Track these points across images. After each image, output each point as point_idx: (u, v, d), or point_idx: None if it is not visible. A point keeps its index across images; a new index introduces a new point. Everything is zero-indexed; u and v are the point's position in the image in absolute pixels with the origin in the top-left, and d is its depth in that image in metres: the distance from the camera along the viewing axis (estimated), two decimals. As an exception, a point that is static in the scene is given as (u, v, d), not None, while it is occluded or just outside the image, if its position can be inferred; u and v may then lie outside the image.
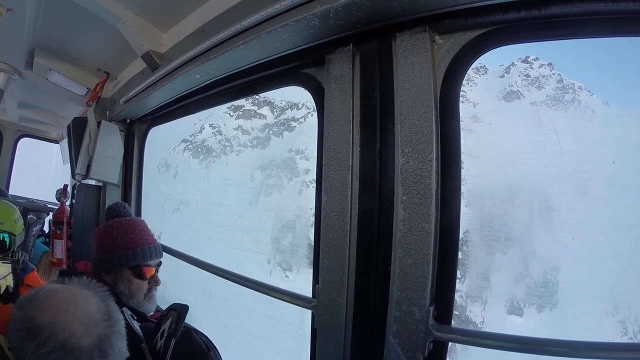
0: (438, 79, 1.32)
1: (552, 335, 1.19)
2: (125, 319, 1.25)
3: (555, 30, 1.23)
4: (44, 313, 0.99)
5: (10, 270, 1.91)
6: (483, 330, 1.32)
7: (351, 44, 1.45)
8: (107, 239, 1.77)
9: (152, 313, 1.85)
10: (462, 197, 1.31)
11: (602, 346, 1.15)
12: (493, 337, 1.30)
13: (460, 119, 1.35)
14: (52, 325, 0.97)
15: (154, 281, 1.81)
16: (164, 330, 1.56)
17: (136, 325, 1.55)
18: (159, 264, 1.85)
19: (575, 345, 1.16)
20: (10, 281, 1.89)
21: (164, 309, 2.15)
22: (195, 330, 1.70)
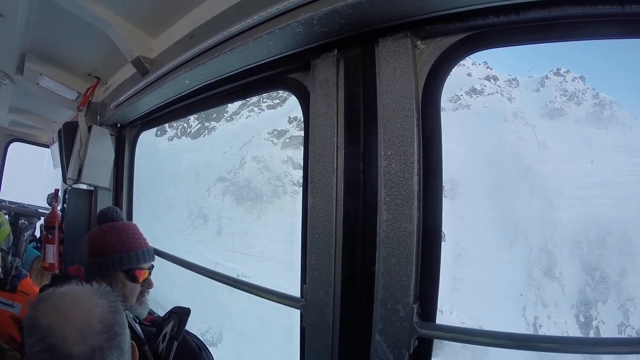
0: (420, 83, 1.36)
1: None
2: (127, 322, 1.26)
3: (534, 34, 1.27)
4: (45, 315, 1.01)
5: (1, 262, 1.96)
6: (467, 327, 1.34)
7: (335, 50, 1.49)
8: (101, 243, 1.77)
9: (144, 317, 1.86)
10: (443, 197, 1.34)
11: (590, 341, 1.19)
12: (478, 333, 1.34)
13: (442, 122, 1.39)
14: (48, 327, 0.99)
15: (147, 284, 1.82)
16: (165, 333, 1.58)
17: (138, 327, 1.58)
18: (152, 267, 1.86)
19: (562, 341, 1.20)
20: None
21: (155, 312, 2.17)
22: (187, 332, 1.72)
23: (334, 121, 1.47)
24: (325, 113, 1.50)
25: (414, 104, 1.32)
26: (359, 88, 1.45)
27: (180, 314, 1.62)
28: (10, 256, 2.30)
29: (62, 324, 1.00)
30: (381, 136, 1.35)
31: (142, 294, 1.80)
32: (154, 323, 1.77)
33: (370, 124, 1.41)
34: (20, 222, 4.00)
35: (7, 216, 3.61)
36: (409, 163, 1.30)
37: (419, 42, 1.37)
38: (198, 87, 2.06)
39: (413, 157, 1.29)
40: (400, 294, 1.31)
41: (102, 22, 2.12)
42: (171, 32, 2.14)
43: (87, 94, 2.99)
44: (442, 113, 1.39)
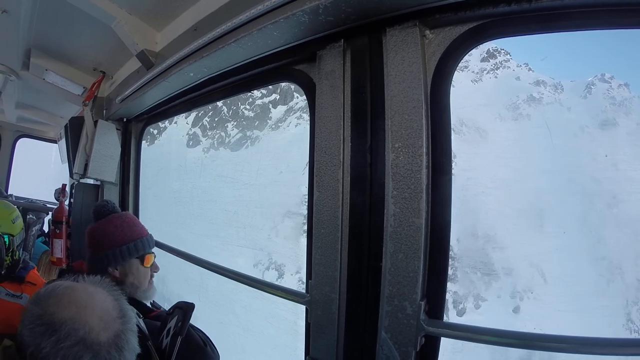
0: (428, 74, 1.32)
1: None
2: None
3: (546, 23, 1.22)
4: (64, 309, 1.02)
5: None
6: (475, 325, 1.32)
7: (342, 40, 1.46)
8: (114, 234, 1.82)
9: (152, 298, 1.97)
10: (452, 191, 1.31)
11: (594, 342, 1.15)
12: (484, 332, 1.30)
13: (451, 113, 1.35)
14: (73, 321, 1.00)
15: (155, 267, 1.91)
16: (169, 328, 1.59)
17: (142, 323, 1.58)
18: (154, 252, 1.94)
19: (568, 341, 1.16)
20: None
21: (159, 305, 2.18)
22: (192, 326, 1.72)
23: (340, 113, 1.44)
24: (332, 105, 1.46)
25: (423, 95, 1.28)
26: (366, 79, 1.41)
27: (185, 309, 1.62)
28: (21, 250, 2.33)
29: (85, 315, 1.03)
30: (389, 128, 1.32)
31: (151, 277, 1.89)
32: (159, 317, 1.77)
33: (378, 115, 1.37)
34: (28, 217, 4.03)
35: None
36: (417, 156, 1.26)
37: (427, 32, 1.33)
38: (203, 80, 2.04)
39: (422, 149, 1.26)
40: (407, 291, 1.28)
41: (106, 16, 2.12)
42: (175, 24, 2.13)
43: (93, 89, 3.00)
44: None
